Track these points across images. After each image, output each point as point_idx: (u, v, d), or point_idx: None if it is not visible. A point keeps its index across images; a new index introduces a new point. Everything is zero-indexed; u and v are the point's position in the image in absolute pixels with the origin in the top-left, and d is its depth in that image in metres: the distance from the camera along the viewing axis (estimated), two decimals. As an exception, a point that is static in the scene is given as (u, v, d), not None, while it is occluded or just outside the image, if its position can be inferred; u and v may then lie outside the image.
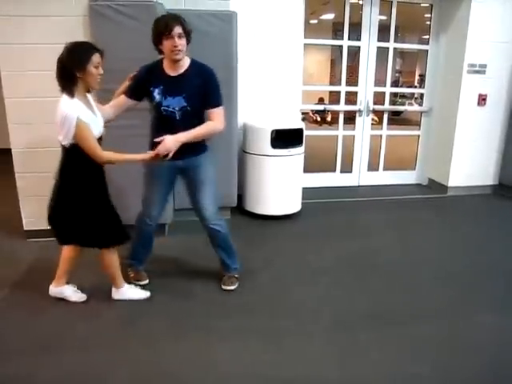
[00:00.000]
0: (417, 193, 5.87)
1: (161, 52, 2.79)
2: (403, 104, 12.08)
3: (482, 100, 5.47)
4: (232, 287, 3.21)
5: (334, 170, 5.98)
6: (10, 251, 3.84)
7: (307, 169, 5.10)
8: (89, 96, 2.80)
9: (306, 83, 5.57)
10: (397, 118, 10.26)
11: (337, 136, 5.89)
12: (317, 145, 5.96)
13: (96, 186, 2.80)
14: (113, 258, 2.96)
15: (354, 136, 5.92)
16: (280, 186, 4.59)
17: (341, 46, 5.64)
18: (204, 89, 2.79)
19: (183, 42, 2.70)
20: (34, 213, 3.94)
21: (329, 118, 11.06)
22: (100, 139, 2.75)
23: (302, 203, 4.84)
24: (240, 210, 4.74)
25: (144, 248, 3.29)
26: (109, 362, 2.45)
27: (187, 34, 2.74)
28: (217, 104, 2.84)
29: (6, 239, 4.06)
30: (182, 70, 2.80)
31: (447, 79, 5.66)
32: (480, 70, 5.36)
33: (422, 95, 6.23)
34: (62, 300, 3.03)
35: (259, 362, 2.47)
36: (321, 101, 9.91)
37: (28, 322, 2.81)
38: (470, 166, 5.68)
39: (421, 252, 3.98)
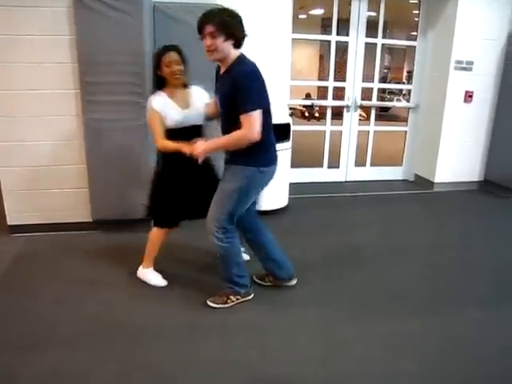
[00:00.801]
0: (403, 188, 5.90)
1: None
2: (391, 100, 12.15)
3: (468, 97, 5.50)
4: (214, 305, 2.93)
5: (322, 166, 5.98)
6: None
7: (294, 164, 5.10)
8: (188, 91, 3.03)
9: (294, 78, 5.56)
10: (385, 114, 10.31)
11: (324, 131, 5.89)
12: (304, 140, 5.96)
13: (175, 171, 2.96)
14: (158, 238, 3.17)
15: (341, 131, 5.92)
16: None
17: (329, 42, 5.64)
18: (232, 92, 2.49)
19: (215, 41, 2.48)
20: (18, 207, 3.89)
21: (317, 114, 11.06)
22: (187, 129, 2.89)
23: (289, 198, 4.84)
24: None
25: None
26: (93, 358, 2.43)
27: (222, 30, 2.47)
28: (244, 110, 2.48)
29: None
30: (224, 69, 2.63)
31: (434, 76, 5.68)
32: (467, 66, 5.38)
33: (409, 91, 6.25)
34: (48, 295, 3.00)
35: (244, 359, 2.46)
36: (308, 96, 9.89)
37: (12, 318, 2.79)
38: (456, 163, 5.71)
39: (406, 247, 3.99)
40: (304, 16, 11.37)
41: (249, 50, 4.80)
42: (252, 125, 2.49)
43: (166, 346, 2.54)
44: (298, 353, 2.52)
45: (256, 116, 2.50)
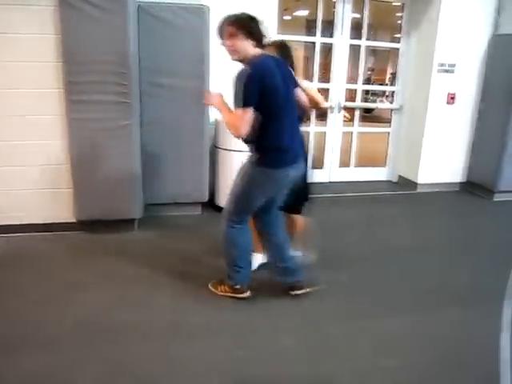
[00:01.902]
0: (387, 189, 5.96)
1: None
2: (375, 101, 12.22)
3: (451, 99, 5.58)
4: (210, 287, 3.09)
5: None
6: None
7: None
8: None
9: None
10: (368, 115, 10.37)
11: (309, 132, 5.91)
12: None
13: None
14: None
15: (325, 132, 5.96)
16: (252, 181, 4.57)
17: (314, 43, 5.66)
18: (236, 90, 2.65)
19: (234, 41, 2.59)
20: (0, 208, 3.84)
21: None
22: None
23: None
24: (212, 205, 4.72)
25: None
26: (78, 360, 2.41)
27: (241, 29, 2.57)
28: (236, 105, 2.61)
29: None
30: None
31: (418, 78, 5.75)
32: (449, 69, 5.47)
33: (392, 93, 6.32)
34: (31, 296, 2.97)
35: (230, 359, 2.46)
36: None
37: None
38: (439, 164, 5.79)
39: (390, 247, 4.03)
40: (289, 17, 11.38)
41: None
42: (239, 120, 2.55)
43: (150, 347, 2.52)
44: (283, 352, 2.53)
45: (239, 113, 2.54)
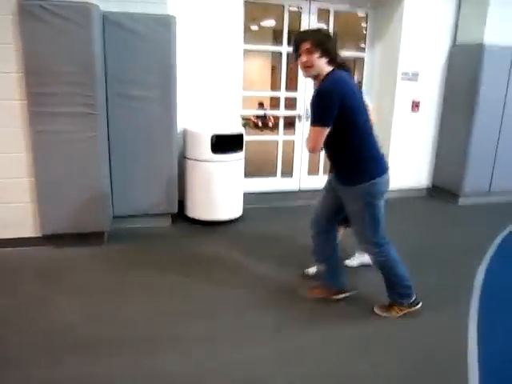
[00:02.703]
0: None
1: None
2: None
3: (415, 106, 5.71)
4: (381, 313, 3.06)
5: (275, 175, 6.03)
6: None
7: (249, 174, 5.12)
8: None
9: (247, 89, 5.59)
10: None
11: (277, 141, 5.95)
12: (258, 149, 5.99)
13: None
14: None
15: (293, 141, 6.00)
16: (221, 191, 4.57)
17: (280, 53, 5.71)
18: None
19: (310, 57, 2.58)
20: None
21: (270, 124, 11.11)
22: None
23: (244, 208, 4.85)
24: (181, 216, 4.68)
25: None
26: (44, 378, 2.33)
27: (318, 46, 2.57)
28: (312, 122, 2.64)
29: None
30: (316, 86, 2.67)
31: (383, 86, 5.87)
32: (412, 77, 5.60)
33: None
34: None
35: (200, 371, 2.43)
36: (261, 105, 9.95)
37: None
38: (404, 170, 5.90)
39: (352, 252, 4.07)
40: (256, 27, 11.47)
41: (201, 59, 4.84)
42: (312, 137, 2.66)
43: (121, 361, 2.47)
44: (256, 362, 2.52)
45: (314, 131, 2.63)
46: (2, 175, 3.69)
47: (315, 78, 2.67)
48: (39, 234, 3.84)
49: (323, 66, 2.61)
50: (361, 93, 2.78)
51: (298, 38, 2.64)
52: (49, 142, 3.65)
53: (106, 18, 3.86)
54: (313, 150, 2.70)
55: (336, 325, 2.92)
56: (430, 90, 5.75)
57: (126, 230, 4.26)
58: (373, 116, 3.20)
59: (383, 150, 2.93)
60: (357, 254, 3.78)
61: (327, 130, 2.58)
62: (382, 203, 2.84)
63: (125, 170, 4.22)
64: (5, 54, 3.48)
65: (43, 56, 3.50)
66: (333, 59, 2.63)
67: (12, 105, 3.57)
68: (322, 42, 2.59)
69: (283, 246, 4.18)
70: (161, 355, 2.54)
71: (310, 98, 2.64)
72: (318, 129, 2.60)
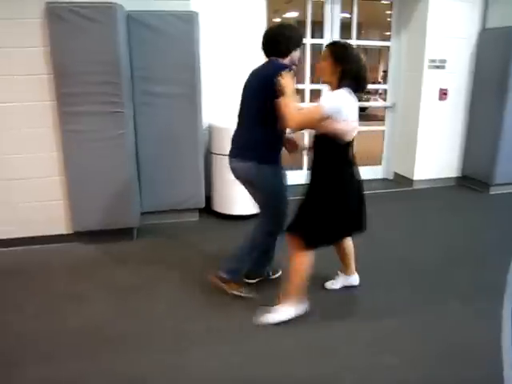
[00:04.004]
0: (383, 187, 5.96)
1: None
2: (368, 100, 12.25)
3: (443, 94, 5.59)
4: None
5: (302, 168, 6.01)
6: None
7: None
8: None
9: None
10: (362, 114, 10.39)
11: (303, 133, 5.91)
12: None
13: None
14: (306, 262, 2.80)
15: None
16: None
17: (304, 45, 5.67)
18: None
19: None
20: (0, 221, 3.83)
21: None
22: None
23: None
24: (208, 210, 4.72)
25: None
26: (77, 373, 2.39)
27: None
28: None
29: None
30: None
31: (409, 75, 5.76)
32: (440, 65, 5.48)
33: (386, 91, 6.33)
34: (29, 310, 2.96)
35: (229, 364, 2.46)
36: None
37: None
38: (434, 159, 5.80)
39: (388, 245, 4.05)
40: (278, 19, 11.41)
41: (225, 54, 4.84)
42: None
43: (150, 356, 2.52)
44: (282, 356, 2.53)
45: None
46: (35, 174, 3.79)
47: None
48: (71, 231, 3.93)
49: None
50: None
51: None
52: (78, 140, 3.73)
53: (131, 17, 3.91)
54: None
55: (359, 319, 2.91)
56: (458, 77, 5.62)
57: (155, 225, 4.32)
58: None
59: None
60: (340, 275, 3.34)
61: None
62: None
63: (152, 166, 4.27)
64: (35, 56, 3.56)
65: (71, 57, 3.56)
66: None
67: (43, 106, 3.66)
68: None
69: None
70: (191, 350, 2.58)
71: None
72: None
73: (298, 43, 2.88)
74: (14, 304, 3.06)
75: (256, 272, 3.28)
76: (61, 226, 3.93)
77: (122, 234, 4.01)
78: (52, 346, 2.62)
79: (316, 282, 3.17)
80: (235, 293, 3.08)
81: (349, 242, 3.12)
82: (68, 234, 3.94)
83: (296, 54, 2.89)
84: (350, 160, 2.76)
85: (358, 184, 2.89)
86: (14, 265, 3.64)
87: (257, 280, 3.29)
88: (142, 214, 4.28)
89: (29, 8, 3.49)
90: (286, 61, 2.83)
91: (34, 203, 3.85)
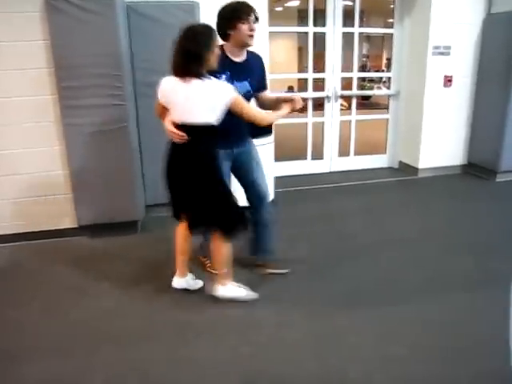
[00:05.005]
0: (388, 176, 5.93)
1: (227, 38, 2.79)
2: (371, 88, 12.18)
3: (447, 81, 5.53)
4: (284, 270, 3.28)
5: (306, 158, 5.98)
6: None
7: (278, 157, 5.09)
8: None
9: (274, 71, 5.53)
10: (366, 103, 10.33)
11: (306, 123, 5.89)
12: (287, 132, 5.95)
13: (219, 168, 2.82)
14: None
15: (323, 122, 5.93)
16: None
17: (306, 33, 5.62)
18: (261, 73, 3.02)
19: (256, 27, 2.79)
20: (1, 217, 3.83)
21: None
22: None
23: (275, 192, 4.83)
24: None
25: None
26: (83, 366, 2.40)
27: (258, 20, 2.83)
28: (267, 87, 3.12)
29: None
30: (244, 57, 2.88)
31: (413, 62, 5.70)
32: (444, 51, 5.41)
33: (389, 79, 6.27)
34: (35, 304, 2.96)
35: (236, 356, 2.45)
36: (290, 89, 9.89)
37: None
38: (439, 147, 5.75)
39: (395, 233, 4.02)
40: (280, 8, 11.33)
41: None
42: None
43: (155, 349, 2.52)
44: (290, 347, 2.52)
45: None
46: (39, 169, 3.78)
47: (246, 47, 2.85)
48: (75, 225, 3.93)
49: None
50: None
51: (250, 6, 2.82)
52: (81, 134, 3.71)
53: (130, 7, 3.87)
54: None
55: (366, 309, 2.90)
56: (463, 63, 5.54)
57: (159, 218, 4.29)
58: None
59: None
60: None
61: None
62: None
63: (155, 158, 4.22)
64: (35, 49, 3.53)
65: (71, 50, 3.53)
66: None
67: (44, 100, 3.65)
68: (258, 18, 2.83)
69: (317, 229, 4.15)
70: (196, 342, 2.57)
71: (256, 61, 2.96)
72: None
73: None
74: (20, 299, 3.06)
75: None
76: (65, 221, 3.93)
77: (126, 227, 4.00)
78: (58, 339, 2.62)
79: (324, 273, 3.16)
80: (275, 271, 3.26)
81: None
82: (72, 228, 3.93)
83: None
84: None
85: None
86: (21, 260, 3.64)
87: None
88: (147, 206, 4.27)
89: (28, 1, 3.45)
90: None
91: (37, 198, 3.84)
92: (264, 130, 4.52)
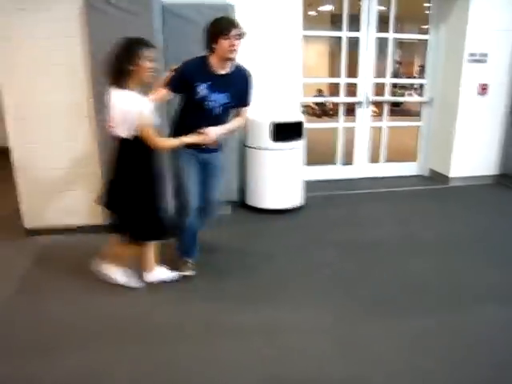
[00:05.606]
0: (418, 184, 5.84)
1: (211, 50, 2.91)
2: (402, 95, 12.03)
3: (482, 89, 5.42)
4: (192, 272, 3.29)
5: (335, 163, 5.94)
6: (11, 250, 3.81)
7: (308, 162, 5.07)
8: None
9: (306, 75, 5.51)
10: (397, 109, 10.19)
11: (337, 128, 5.85)
12: (317, 137, 5.92)
13: (149, 177, 2.87)
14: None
15: (354, 128, 5.88)
16: (281, 179, 4.56)
17: (340, 38, 5.59)
18: (245, 89, 3.12)
19: (239, 43, 2.87)
20: (35, 210, 3.91)
21: (331, 112, 10.97)
22: None
23: (306, 196, 4.81)
24: (241, 204, 4.71)
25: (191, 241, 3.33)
26: (110, 360, 2.43)
27: (242, 37, 2.89)
28: (249, 103, 3.20)
29: (5, 238, 4.02)
30: (228, 70, 2.98)
31: (447, 69, 5.61)
32: (481, 59, 5.31)
33: (421, 85, 6.18)
34: (65, 298, 3.01)
35: (261, 359, 2.44)
36: (319, 92, 9.84)
37: (31, 321, 2.80)
38: (471, 156, 5.64)
39: (423, 243, 3.95)
40: (313, 13, 11.31)
41: (260, 48, 4.80)
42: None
43: (181, 347, 2.54)
44: (314, 352, 2.50)
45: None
46: (75, 164, 3.89)
47: (230, 61, 2.94)
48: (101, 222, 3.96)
49: None
50: None
51: (232, 22, 2.90)
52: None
53: (166, 8, 3.91)
54: None
55: (395, 318, 2.85)
56: (499, 71, 5.42)
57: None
58: None
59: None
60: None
61: None
62: None
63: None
64: (73, 47, 3.63)
65: (107, 47, 3.58)
66: None
67: (80, 96, 3.73)
68: (244, 34, 2.91)
69: (345, 235, 4.11)
70: (224, 342, 2.58)
71: (241, 76, 3.09)
72: None
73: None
74: (52, 292, 3.11)
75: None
76: (100, 216, 3.95)
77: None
78: (87, 333, 2.66)
79: (349, 279, 3.12)
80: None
81: None
82: (98, 225, 3.96)
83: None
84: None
85: None
86: (53, 254, 3.71)
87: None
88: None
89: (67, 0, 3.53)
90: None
91: (73, 193, 3.94)
92: (294, 134, 4.53)
